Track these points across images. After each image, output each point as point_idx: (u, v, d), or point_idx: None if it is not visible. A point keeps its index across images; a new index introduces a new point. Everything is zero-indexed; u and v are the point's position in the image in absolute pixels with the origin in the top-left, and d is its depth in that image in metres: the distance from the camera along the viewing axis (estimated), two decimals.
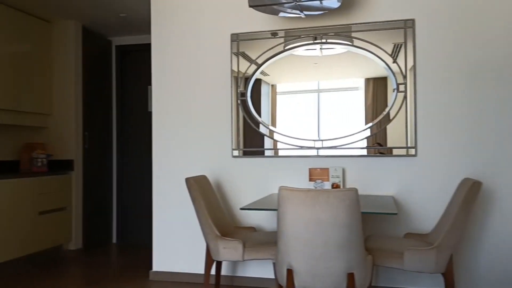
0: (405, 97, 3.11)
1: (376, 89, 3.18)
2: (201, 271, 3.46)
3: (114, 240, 5.16)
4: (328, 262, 2.12)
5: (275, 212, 2.92)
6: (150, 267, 3.91)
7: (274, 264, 2.79)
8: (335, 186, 3.12)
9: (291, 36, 3.34)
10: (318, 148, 3.26)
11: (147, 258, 4.27)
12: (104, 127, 5.09)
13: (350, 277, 2.12)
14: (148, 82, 5.10)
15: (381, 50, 3.15)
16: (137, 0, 4.06)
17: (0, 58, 4.00)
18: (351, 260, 2.12)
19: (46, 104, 4.56)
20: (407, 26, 3.12)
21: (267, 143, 3.38)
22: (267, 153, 3.38)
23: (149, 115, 5.07)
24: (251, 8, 3.44)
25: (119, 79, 5.23)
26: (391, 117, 3.14)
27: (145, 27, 4.85)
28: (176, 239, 3.54)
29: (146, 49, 5.07)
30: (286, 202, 2.10)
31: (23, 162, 4.45)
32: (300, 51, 3.33)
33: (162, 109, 3.63)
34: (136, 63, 5.20)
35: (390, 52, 3.13)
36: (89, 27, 4.86)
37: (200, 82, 3.55)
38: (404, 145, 3.10)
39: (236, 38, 3.46)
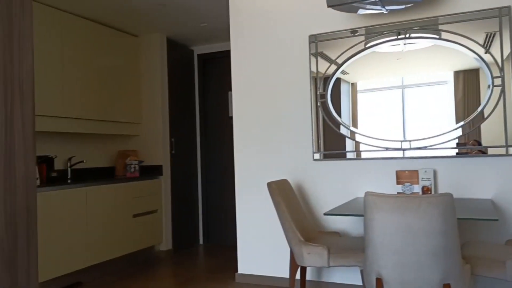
0: (502, 91, 2.84)
1: (467, 82, 2.95)
2: (286, 275, 3.46)
3: (201, 241, 5.36)
4: (420, 272, 2.00)
5: (360, 217, 2.82)
6: (236, 269, 4.00)
7: (361, 271, 2.71)
8: (425, 189, 2.95)
9: (373, 33, 3.22)
10: (405, 149, 3.10)
11: (233, 260, 4.37)
12: (189, 133, 5.31)
13: None
14: (228, 87, 5.22)
15: (471, 41, 2.92)
16: (217, 9, 4.18)
17: (96, 73, 4.34)
18: (447, 270, 1.98)
19: (136, 113, 4.87)
20: (503, 14, 2.85)
21: (349, 145, 3.29)
22: (349, 155, 3.28)
23: (230, 120, 5.19)
24: (329, 8, 3.37)
25: (201, 87, 5.42)
26: (485, 114, 2.89)
27: (224, 34, 4.98)
28: (260, 242, 3.57)
29: (225, 56, 5.20)
30: (374, 208, 2.01)
31: (118, 168, 4.78)
32: (383, 48, 3.19)
33: (242, 114, 3.69)
34: (217, 70, 5.36)
35: (481, 43, 2.89)
36: (172, 38, 5.10)
37: (279, 85, 3.56)
38: (503, 144, 2.84)
39: (314, 39, 3.41)
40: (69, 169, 4.22)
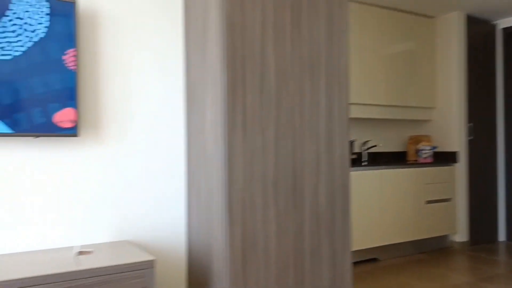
0: None
1: None
2: None
3: (502, 238, 4.80)
4: None
5: None
6: None
7: None
8: None
9: None
10: None
11: None
12: (489, 117, 4.80)
13: None
14: None
15: None
16: None
17: (388, 59, 4.44)
18: None
19: (429, 98, 4.73)
20: None
21: None
22: None
23: None
24: None
25: (505, 65, 4.79)
26: None
27: None
28: None
29: None
30: None
31: (410, 153, 4.79)
32: None
33: None
34: None
35: None
36: (472, 14, 4.68)
37: None
38: None
39: None
40: (364, 152, 4.51)
